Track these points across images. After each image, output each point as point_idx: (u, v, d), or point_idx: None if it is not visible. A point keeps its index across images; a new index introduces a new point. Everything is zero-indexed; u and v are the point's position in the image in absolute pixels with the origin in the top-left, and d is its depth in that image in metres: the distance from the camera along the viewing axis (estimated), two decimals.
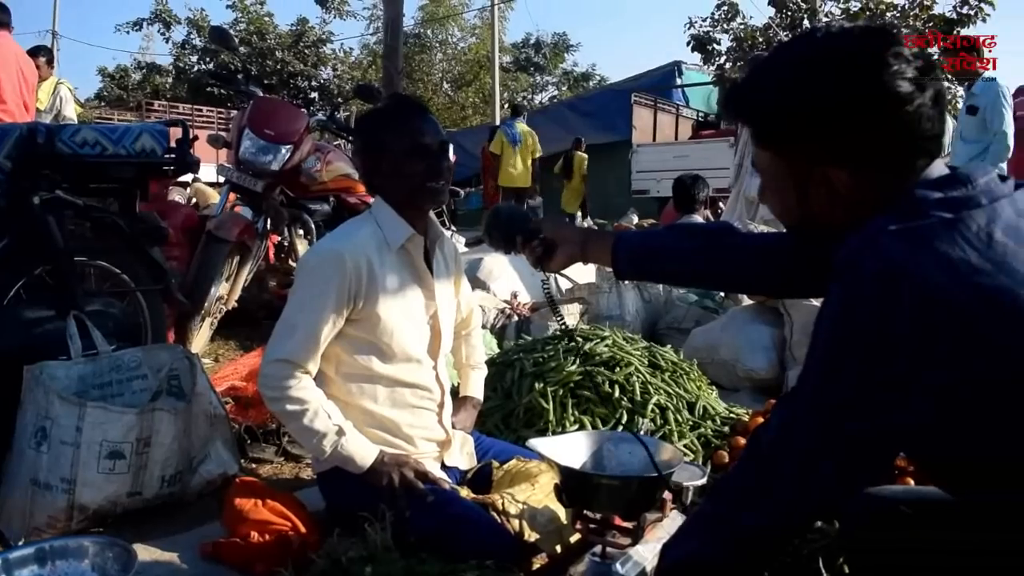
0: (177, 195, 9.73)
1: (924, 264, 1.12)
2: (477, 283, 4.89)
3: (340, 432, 2.04)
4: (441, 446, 2.31)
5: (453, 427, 2.38)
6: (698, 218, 5.47)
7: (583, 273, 5.78)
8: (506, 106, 27.99)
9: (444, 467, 2.30)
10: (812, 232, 1.38)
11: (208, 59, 27.31)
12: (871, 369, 1.14)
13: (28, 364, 2.33)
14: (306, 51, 27.47)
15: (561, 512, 2.05)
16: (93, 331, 2.55)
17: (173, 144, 3.06)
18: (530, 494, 2.13)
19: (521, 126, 12.67)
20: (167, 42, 28.93)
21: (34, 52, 7.03)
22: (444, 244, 2.36)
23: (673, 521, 2.07)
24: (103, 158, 2.85)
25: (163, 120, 3.39)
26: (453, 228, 8.19)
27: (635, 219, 15.35)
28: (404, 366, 2.20)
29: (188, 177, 10.63)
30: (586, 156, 15.43)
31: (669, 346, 3.37)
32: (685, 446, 2.71)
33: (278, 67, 26.60)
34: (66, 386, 2.35)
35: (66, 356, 2.46)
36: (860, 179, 1.25)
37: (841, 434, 1.18)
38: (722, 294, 4.95)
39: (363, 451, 2.07)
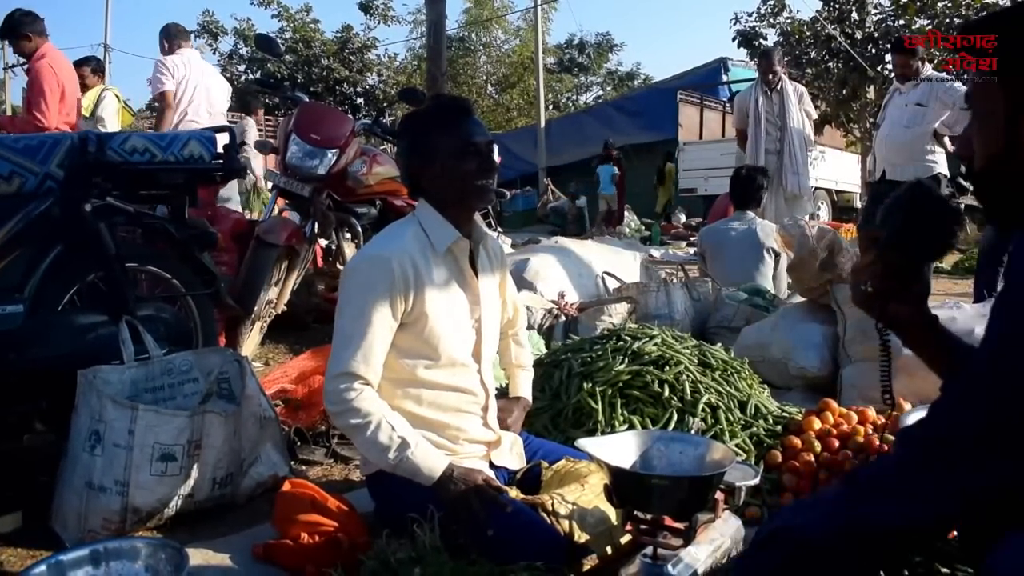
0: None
1: None
2: (524, 284, 4.87)
3: (404, 444, 2.02)
4: (489, 446, 2.30)
5: (502, 427, 2.37)
6: (751, 214, 5.31)
7: (630, 272, 5.74)
8: (551, 108, 27.99)
9: (493, 466, 2.29)
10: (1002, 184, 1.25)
11: (255, 68, 27.70)
12: None
13: (82, 369, 2.37)
14: (351, 57, 27.69)
15: (611, 513, 2.02)
16: (145, 336, 2.58)
17: (220, 150, 3.09)
18: (580, 495, 2.11)
19: None
20: (214, 53, 29.40)
21: (82, 62, 7.16)
22: (488, 244, 2.34)
23: (726, 522, 2.04)
24: (153, 165, 2.88)
25: (211, 127, 3.42)
26: (499, 229, 8.18)
27: (683, 218, 15.28)
28: (449, 370, 2.18)
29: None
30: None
31: (719, 345, 3.32)
32: (737, 445, 2.66)
33: (324, 74, 26.87)
34: (119, 390, 2.39)
35: (119, 361, 2.50)
36: None
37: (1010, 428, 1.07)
38: (772, 291, 4.88)
39: (431, 463, 2.03)
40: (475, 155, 2.13)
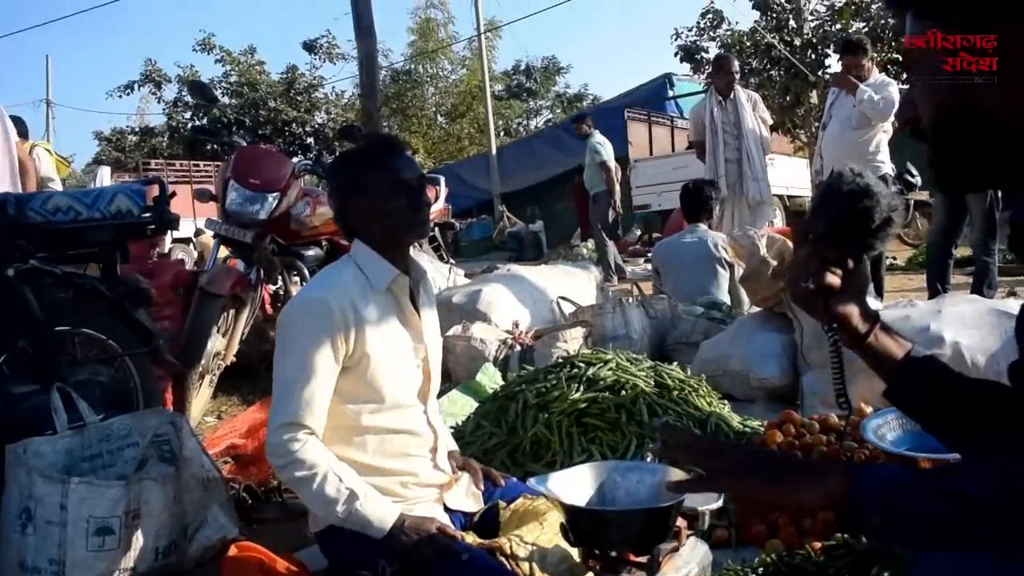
0: (181, 252, 9.74)
1: None
2: (477, 315, 4.79)
3: (353, 496, 1.93)
4: (441, 488, 2.22)
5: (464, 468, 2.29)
6: (703, 226, 5.30)
7: (586, 293, 5.69)
8: (501, 134, 28.10)
9: (448, 510, 2.20)
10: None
11: (201, 115, 27.41)
12: None
13: (11, 443, 2.26)
14: (298, 98, 27.57)
15: (573, 551, 1.94)
16: (79, 402, 2.48)
17: (151, 203, 3.00)
18: (539, 534, 2.03)
19: None
20: (159, 101, 29.11)
21: None
22: (426, 283, 2.28)
23: (692, 549, 1.97)
24: (78, 223, 2.81)
25: (139, 179, 3.34)
26: (452, 261, 8.09)
27: (638, 233, 15.32)
28: (395, 413, 2.10)
29: (188, 232, 10.67)
30: None
31: (675, 363, 3.27)
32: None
33: (271, 116, 26.71)
34: (52, 462, 2.28)
35: (52, 431, 2.39)
36: None
37: None
38: (728, 303, 4.85)
39: (381, 515, 1.95)
40: (404, 191, 2.09)
